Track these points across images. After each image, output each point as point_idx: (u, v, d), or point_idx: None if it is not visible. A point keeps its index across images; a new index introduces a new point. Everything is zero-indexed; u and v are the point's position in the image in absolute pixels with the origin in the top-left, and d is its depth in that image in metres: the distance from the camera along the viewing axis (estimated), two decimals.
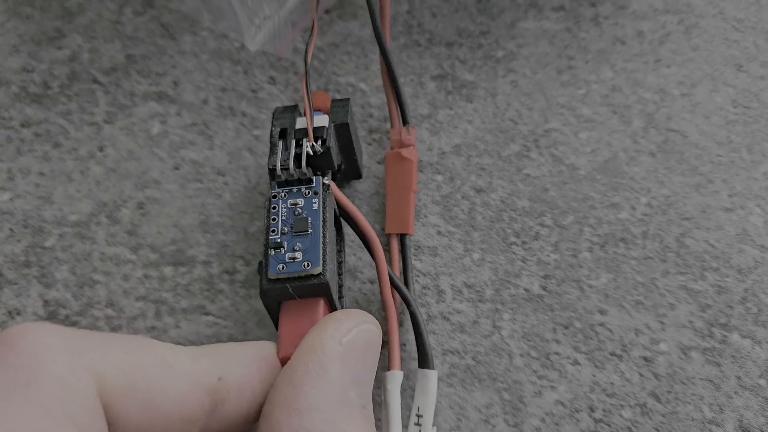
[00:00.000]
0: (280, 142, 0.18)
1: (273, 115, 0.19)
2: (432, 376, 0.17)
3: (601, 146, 0.22)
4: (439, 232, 0.21)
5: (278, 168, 0.17)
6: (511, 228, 0.21)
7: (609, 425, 0.18)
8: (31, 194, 0.22)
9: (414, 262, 0.20)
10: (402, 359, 0.18)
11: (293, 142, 0.18)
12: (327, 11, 0.25)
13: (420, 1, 0.25)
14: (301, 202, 0.17)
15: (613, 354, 0.19)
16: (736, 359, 0.18)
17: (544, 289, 0.20)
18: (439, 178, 0.22)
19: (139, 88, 0.23)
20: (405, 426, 0.17)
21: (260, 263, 0.16)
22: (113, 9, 0.25)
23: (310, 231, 0.16)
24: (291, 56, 0.24)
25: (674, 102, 0.23)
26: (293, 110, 0.19)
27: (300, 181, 0.17)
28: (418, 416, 0.17)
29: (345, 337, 0.12)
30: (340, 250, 0.18)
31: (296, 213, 0.17)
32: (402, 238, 0.20)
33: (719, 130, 0.22)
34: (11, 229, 0.21)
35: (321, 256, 0.16)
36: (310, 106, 0.18)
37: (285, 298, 0.16)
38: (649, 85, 0.23)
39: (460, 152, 0.22)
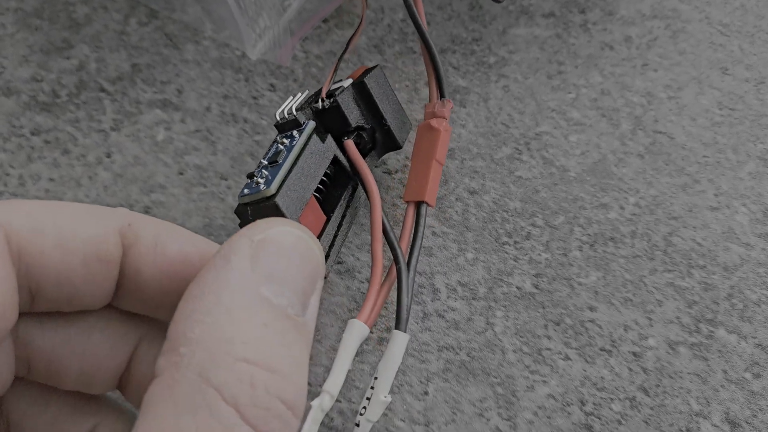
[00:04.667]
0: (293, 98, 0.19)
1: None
2: (400, 338, 0.16)
3: (591, 148, 0.23)
4: (434, 233, 0.21)
5: (277, 114, 0.18)
6: (504, 228, 0.21)
7: (599, 418, 0.18)
8: (42, 199, 0.22)
9: None
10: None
11: (302, 95, 0.19)
12: (325, 20, 0.26)
13: None
14: (285, 143, 0.18)
15: (602, 349, 0.19)
16: (723, 354, 0.19)
17: (536, 287, 0.20)
18: None
19: (144, 96, 0.24)
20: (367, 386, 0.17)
21: None
22: (119, 20, 0.26)
23: (279, 162, 0.17)
24: (291, 64, 0.25)
25: (661, 105, 0.23)
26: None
27: (294, 124, 0.18)
28: (375, 378, 0.16)
29: (258, 236, 0.11)
30: (344, 214, 0.19)
31: (277, 149, 0.18)
32: (418, 206, 0.19)
33: (705, 131, 0.23)
34: None
35: (279, 182, 0.16)
36: (335, 69, 0.19)
37: (249, 220, 0.16)
38: (637, 88, 0.24)
39: (454, 155, 0.23)
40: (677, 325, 0.19)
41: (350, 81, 0.20)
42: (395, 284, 0.17)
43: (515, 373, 0.19)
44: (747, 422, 0.18)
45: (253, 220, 0.16)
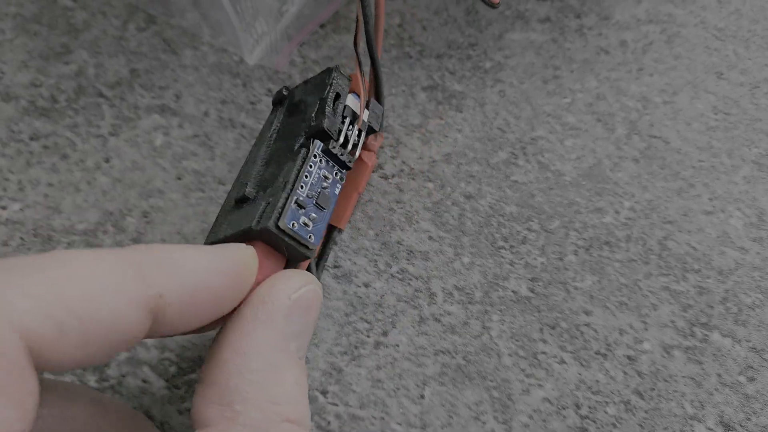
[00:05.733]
0: (333, 108, 0.18)
1: (330, 74, 0.19)
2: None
3: (586, 153, 0.23)
4: (430, 237, 0.21)
5: (335, 136, 0.18)
6: (500, 233, 0.21)
7: (594, 421, 0.18)
8: (41, 204, 0.22)
9: (406, 266, 0.21)
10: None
11: (347, 120, 0.18)
12: (322, 25, 0.26)
13: (411, 15, 0.26)
14: (330, 178, 0.18)
15: (598, 353, 0.19)
16: (717, 357, 0.19)
17: (532, 291, 0.20)
18: (430, 185, 0.22)
19: (142, 102, 0.24)
20: None
21: (241, 184, 0.17)
22: (117, 25, 0.26)
23: (325, 210, 0.17)
24: (288, 69, 0.25)
25: (656, 109, 0.24)
26: (347, 81, 0.19)
27: (339, 162, 0.18)
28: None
29: (294, 294, 0.14)
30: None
31: (323, 186, 0.17)
32: (331, 229, 0.21)
33: (700, 136, 0.23)
34: (22, 238, 0.22)
35: (321, 237, 0.17)
36: (365, 96, 0.19)
37: (270, 244, 0.16)
38: (632, 93, 0.24)
39: (450, 160, 0.23)
40: (672, 329, 0.19)
41: (365, 112, 0.19)
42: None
43: (511, 376, 0.19)
44: (741, 425, 0.18)
45: (284, 251, 0.17)
